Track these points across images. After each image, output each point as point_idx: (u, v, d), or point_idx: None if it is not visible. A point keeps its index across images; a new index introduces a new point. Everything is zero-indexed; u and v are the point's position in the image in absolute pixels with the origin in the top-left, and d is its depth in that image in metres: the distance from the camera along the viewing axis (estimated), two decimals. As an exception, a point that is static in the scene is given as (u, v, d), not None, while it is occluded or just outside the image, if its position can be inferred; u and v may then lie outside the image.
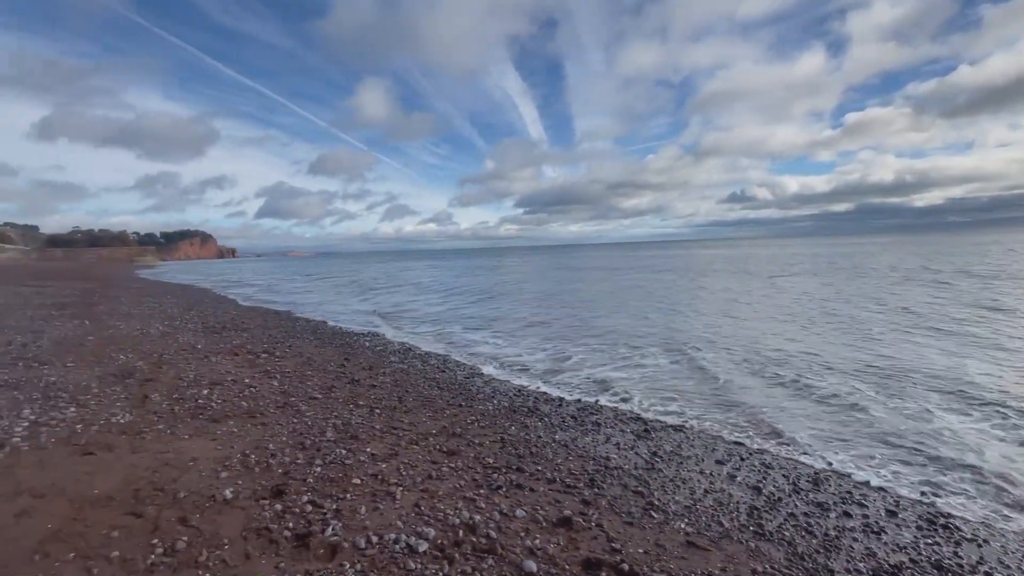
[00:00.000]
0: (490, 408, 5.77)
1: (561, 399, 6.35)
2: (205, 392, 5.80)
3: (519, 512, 3.27)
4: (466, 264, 61.86)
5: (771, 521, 3.37)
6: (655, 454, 4.54)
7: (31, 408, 4.83)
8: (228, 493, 3.29)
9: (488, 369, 8.13)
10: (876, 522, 3.41)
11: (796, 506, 3.61)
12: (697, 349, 9.16)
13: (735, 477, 4.10)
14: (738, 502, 3.65)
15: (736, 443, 4.90)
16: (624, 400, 6.35)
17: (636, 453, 4.56)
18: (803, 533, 3.23)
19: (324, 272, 52.05)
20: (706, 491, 3.80)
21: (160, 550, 2.63)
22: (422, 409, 5.62)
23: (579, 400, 6.33)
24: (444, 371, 7.87)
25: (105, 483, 3.36)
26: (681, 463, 4.36)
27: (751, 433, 5.17)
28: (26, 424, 4.41)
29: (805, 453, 4.65)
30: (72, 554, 2.56)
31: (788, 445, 4.85)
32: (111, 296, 18.86)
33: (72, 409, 4.90)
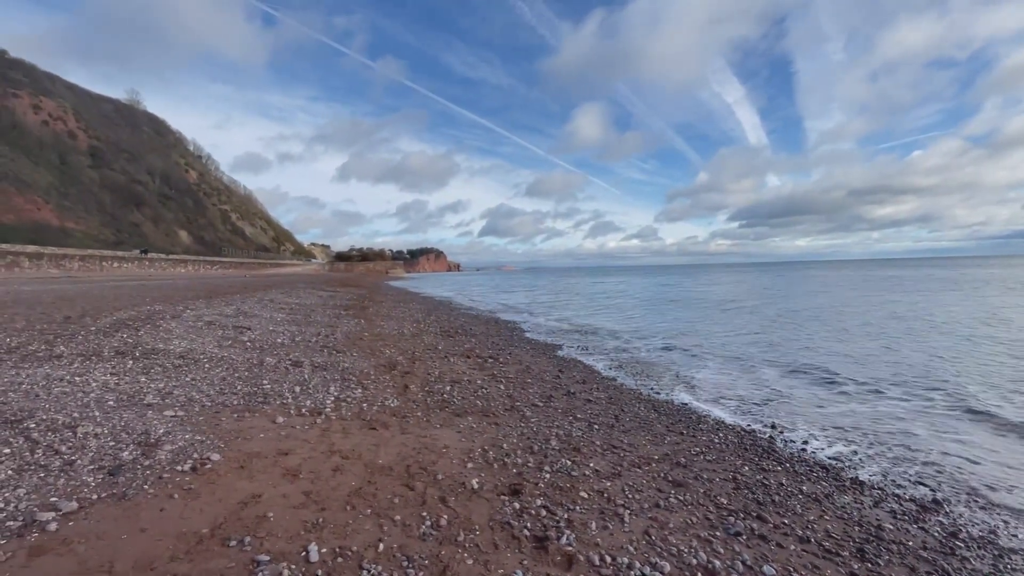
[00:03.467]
0: (715, 441, 5.28)
1: (805, 442, 5.44)
2: (448, 388, 6.71)
3: (767, 569, 2.87)
4: (675, 280, 59.06)
5: None
6: (953, 535, 3.50)
7: (335, 386, 6.27)
8: (475, 483, 3.69)
9: (705, 396, 7.50)
10: None
11: None
12: (976, 398, 6.87)
13: (1105, 596, 2.88)
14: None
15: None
16: (892, 458, 5.11)
17: (922, 528, 3.59)
18: None
19: (534, 286, 55.89)
20: (1052, 605, 2.76)
21: (428, 523, 3.08)
22: (640, 431, 5.47)
23: (830, 447, 5.33)
24: (658, 393, 7.56)
25: (386, 455, 4.12)
26: (1000, 556, 3.27)
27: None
28: (332, 399, 5.73)
29: None
30: (369, 510, 3.18)
31: None
32: (376, 301, 23.55)
33: (359, 391, 6.20)
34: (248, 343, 8.60)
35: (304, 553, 2.63)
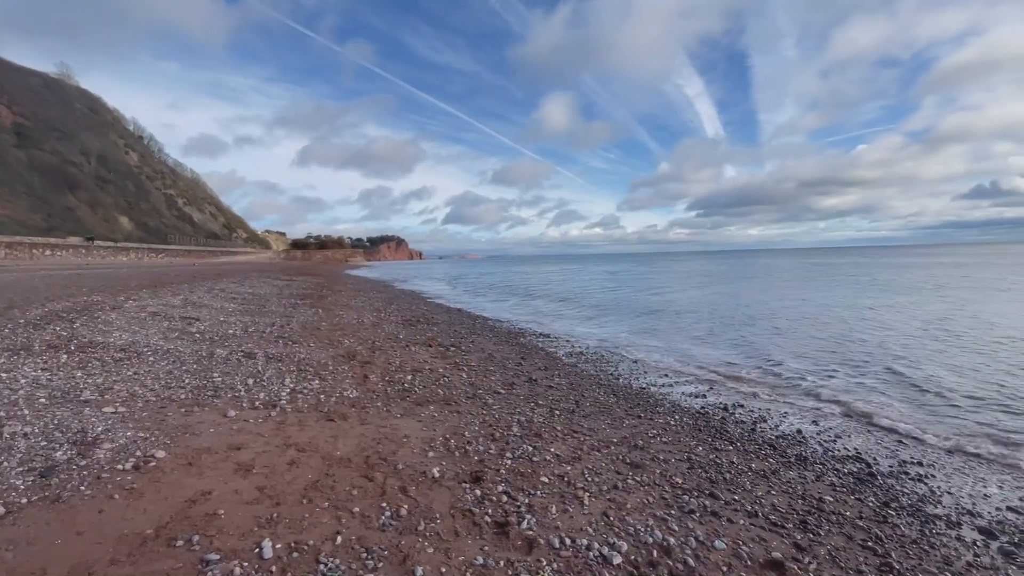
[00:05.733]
0: (672, 423, 5.46)
1: (754, 422, 5.70)
2: (409, 377, 6.62)
3: (718, 543, 3.00)
4: (637, 269, 60.36)
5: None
6: (886, 504, 3.76)
7: (291, 378, 6.08)
8: (436, 472, 3.67)
9: (661, 379, 7.73)
10: None
11: None
12: (913, 368, 7.41)
13: (1014, 557, 3.16)
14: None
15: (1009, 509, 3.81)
16: (832, 435, 5.43)
17: (859, 499, 3.83)
18: None
19: (497, 272, 55.93)
20: (970, 565, 3.01)
21: (388, 513, 3.04)
22: (600, 415, 5.58)
23: (776, 427, 5.60)
24: (618, 378, 7.73)
25: (344, 447, 4.03)
26: (926, 523, 3.53)
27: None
28: (288, 391, 5.55)
29: None
30: (326, 503, 3.11)
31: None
32: (335, 290, 22.94)
33: (316, 382, 6.03)
34: (197, 334, 8.20)
35: (257, 550, 2.54)
